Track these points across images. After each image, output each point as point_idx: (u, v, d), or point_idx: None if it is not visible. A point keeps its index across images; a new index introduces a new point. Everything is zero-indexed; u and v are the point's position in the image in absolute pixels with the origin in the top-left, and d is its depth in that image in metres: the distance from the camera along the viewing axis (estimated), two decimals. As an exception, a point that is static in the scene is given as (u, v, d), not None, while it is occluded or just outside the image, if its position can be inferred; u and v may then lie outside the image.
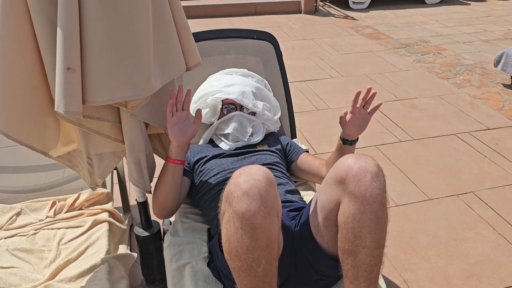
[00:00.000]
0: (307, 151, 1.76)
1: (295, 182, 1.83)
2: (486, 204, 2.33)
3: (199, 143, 1.78)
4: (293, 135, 2.03)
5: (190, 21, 5.55)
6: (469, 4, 7.16)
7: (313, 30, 5.47)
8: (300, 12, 6.35)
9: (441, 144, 2.93)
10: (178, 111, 1.35)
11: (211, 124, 1.78)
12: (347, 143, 1.50)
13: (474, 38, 5.26)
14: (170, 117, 1.33)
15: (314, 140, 2.93)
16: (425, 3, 7.04)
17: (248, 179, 1.02)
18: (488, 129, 3.11)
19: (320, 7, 6.62)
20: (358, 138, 1.51)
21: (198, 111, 1.40)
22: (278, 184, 1.48)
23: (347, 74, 4.06)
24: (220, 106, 1.71)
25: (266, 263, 1.03)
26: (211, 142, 1.75)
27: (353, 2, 6.64)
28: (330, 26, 5.69)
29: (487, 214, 2.25)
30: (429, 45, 4.96)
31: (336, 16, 6.22)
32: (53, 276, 1.41)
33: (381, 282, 1.38)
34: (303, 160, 1.68)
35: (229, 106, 1.70)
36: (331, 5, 6.86)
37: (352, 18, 6.10)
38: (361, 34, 5.34)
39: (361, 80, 3.94)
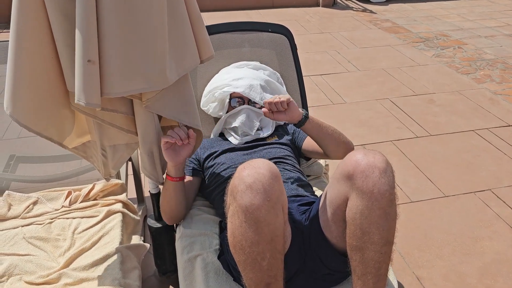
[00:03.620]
0: None
1: (308, 176, 1.83)
2: (504, 202, 2.28)
3: (210, 137, 1.79)
4: (307, 129, 2.02)
5: (206, 14, 5.57)
6: (493, -3, 6.98)
7: (331, 24, 5.42)
8: (318, 5, 6.29)
9: (459, 140, 2.87)
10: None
11: (220, 118, 1.79)
12: (297, 126, 1.51)
13: (497, 32, 5.13)
14: (164, 142, 1.33)
15: (329, 135, 2.91)
16: (447, -4, 6.89)
17: (251, 173, 1.02)
18: (508, 126, 3.04)
19: (338, 0, 6.54)
20: (304, 117, 1.49)
21: (190, 132, 1.36)
22: (289, 178, 1.48)
23: (364, 68, 4.01)
24: (228, 100, 1.71)
25: (271, 257, 1.03)
26: (222, 135, 1.75)
27: (372, -5, 6.55)
28: (348, 19, 5.62)
29: (504, 213, 2.21)
30: (449, 39, 4.86)
31: (355, 9, 6.14)
32: (67, 264, 1.44)
33: (393, 278, 1.37)
34: (309, 143, 1.67)
35: (237, 100, 1.70)
36: (350, -2, 6.78)
37: (371, 12, 6.01)
38: (379, 27, 5.27)
39: (378, 74, 3.89)
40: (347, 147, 1.52)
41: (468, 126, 3.04)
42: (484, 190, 2.38)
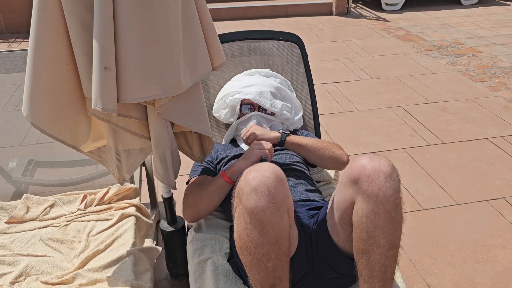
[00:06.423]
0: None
1: (318, 182, 1.84)
2: (518, 210, 2.26)
3: (222, 143, 1.82)
4: (317, 136, 2.04)
5: (221, 23, 5.64)
6: (509, 4, 6.91)
7: (344, 32, 5.44)
8: (332, 14, 6.32)
9: (473, 148, 2.85)
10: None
11: (231, 124, 1.82)
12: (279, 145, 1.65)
13: (512, 40, 5.08)
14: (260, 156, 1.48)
15: (341, 142, 2.92)
16: (461, 4, 6.85)
17: (257, 176, 1.05)
18: (523, 134, 3.01)
19: (351, 9, 6.56)
20: (283, 136, 1.63)
21: (270, 150, 1.50)
22: (298, 184, 1.50)
23: (377, 76, 4.02)
24: (239, 106, 1.74)
25: (276, 258, 1.05)
26: (234, 142, 1.78)
27: (386, 3, 6.54)
28: (362, 27, 5.63)
29: (518, 221, 2.19)
30: (463, 47, 4.83)
31: (368, 17, 6.15)
32: (82, 265, 1.47)
33: (401, 284, 1.37)
34: None
35: (248, 106, 1.73)
36: (363, 7, 6.78)
37: (384, 20, 6.01)
38: (393, 36, 5.26)
39: (391, 82, 3.89)
40: (336, 160, 1.58)
41: (482, 134, 3.02)
42: (497, 199, 2.36)
